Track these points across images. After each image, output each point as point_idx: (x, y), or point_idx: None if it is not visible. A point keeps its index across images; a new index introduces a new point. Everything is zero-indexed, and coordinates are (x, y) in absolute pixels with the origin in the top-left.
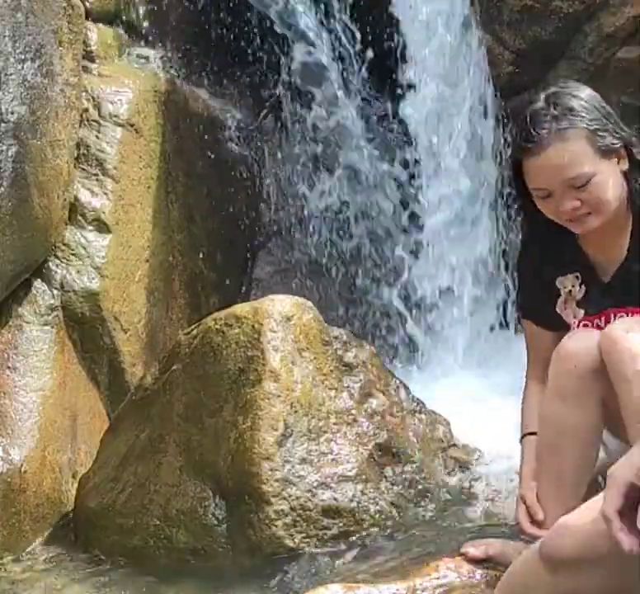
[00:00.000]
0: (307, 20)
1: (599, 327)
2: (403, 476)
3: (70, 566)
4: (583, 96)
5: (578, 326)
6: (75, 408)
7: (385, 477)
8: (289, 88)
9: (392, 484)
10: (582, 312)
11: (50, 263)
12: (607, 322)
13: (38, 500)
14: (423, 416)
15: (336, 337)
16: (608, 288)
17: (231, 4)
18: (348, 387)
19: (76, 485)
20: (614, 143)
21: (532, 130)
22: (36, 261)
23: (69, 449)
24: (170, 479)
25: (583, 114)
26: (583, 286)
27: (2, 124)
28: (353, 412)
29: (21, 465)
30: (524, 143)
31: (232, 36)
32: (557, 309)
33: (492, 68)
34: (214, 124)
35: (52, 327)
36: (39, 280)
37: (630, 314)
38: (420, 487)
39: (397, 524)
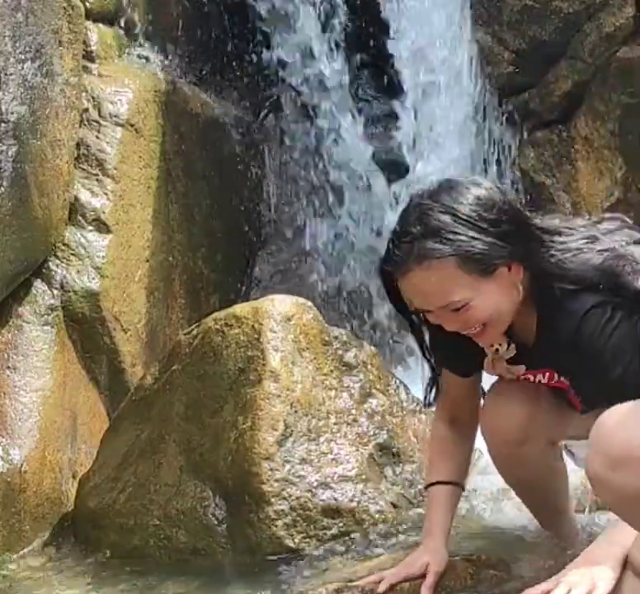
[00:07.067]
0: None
1: (540, 382)
2: (403, 476)
3: (70, 566)
4: (463, 207)
5: (518, 379)
6: (75, 408)
7: (385, 477)
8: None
9: (392, 484)
10: (523, 367)
11: (50, 263)
12: (550, 379)
13: (38, 500)
14: (423, 416)
15: (336, 337)
16: (534, 351)
17: (231, 4)
18: (348, 387)
19: (76, 485)
20: (497, 262)
21: (392, 250)
22: (36, 261)
23: (69, 449)
24: (170, 479)
25: (452, 236)
26: (512, 344)
27: (2, 125)
28: (353, 412)
29: (21, 465)
30: (385, 264)
31: (232, 36)
32: (485, 371)
33: (492, 68)
34: (214, 124)
35: (52, 327)
36: (39, 280)
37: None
38: (420, 487)
39: (398, 524)
